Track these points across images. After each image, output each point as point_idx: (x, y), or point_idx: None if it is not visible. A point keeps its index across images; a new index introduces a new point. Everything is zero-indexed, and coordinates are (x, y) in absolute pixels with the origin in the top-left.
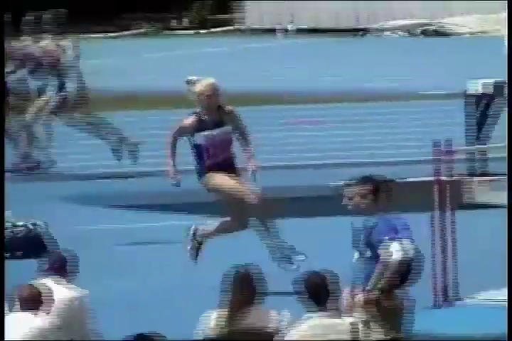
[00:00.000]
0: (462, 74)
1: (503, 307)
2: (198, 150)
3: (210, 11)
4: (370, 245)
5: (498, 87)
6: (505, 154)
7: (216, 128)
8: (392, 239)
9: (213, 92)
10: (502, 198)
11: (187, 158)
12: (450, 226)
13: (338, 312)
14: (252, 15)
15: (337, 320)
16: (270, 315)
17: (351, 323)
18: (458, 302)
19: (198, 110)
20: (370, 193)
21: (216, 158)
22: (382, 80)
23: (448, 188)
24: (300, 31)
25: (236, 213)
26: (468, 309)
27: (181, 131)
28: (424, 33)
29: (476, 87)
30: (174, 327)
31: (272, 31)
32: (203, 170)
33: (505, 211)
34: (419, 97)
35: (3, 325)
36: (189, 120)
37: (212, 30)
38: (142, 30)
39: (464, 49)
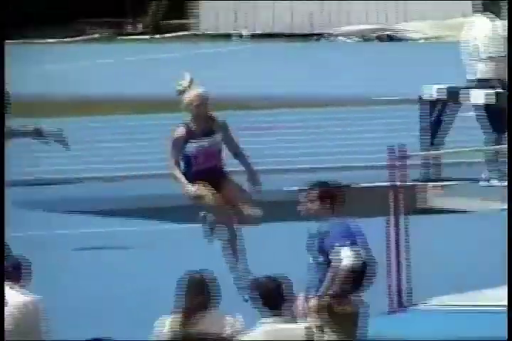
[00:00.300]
0: (417, 80)
1: (456, 312)
2: (187, 160)
3: (165, 16)
4: (323, 251)
5: (452, 92)
6: (506, 154)
7: (206, 138)
8: (342, 245)
9: (201, 102)
10: (456, 203)
11: (139, 164)
12: (404, 231)
13: (293, 318)
14: (208, 20)
15: (292, 325)
16: (224, 320)
17: (306, 328)
18: (412, 308)
19: (187, 120)
20: (324, 198)
21: (204, 167)
22: (336, 85)
23: (402, 193)
24: (255, 36)
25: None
26: (422, 314)
27: (176, 145)
28: (379, 38)
29: (431, 92)
30: (128, 332)
31: (227, 36)
32: (190, 180)
33: (473, 215)
34: (374, 103)
35: (3, 325)
36: (179, 131)
37: (168, 35)
38: (96, 36)
39: (418, 54)
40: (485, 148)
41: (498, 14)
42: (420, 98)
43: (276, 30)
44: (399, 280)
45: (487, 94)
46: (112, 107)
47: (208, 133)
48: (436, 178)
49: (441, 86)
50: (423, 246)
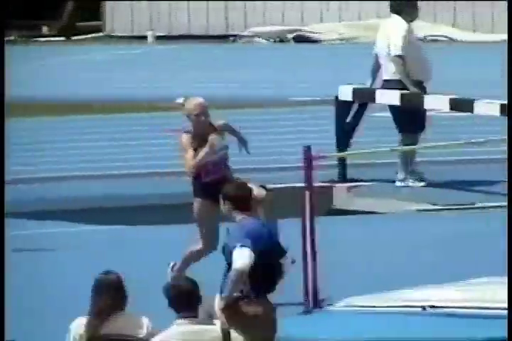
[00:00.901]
0: (333, 81)
1: (369, 313)
2: (194, 174)
3: (81, 18)
4: (228, 251)
5: (366, 92)
6: (506, 154)
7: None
8: (241, 246)
9: (201, 111)
10: (371, 204)
11: (74, 165)
12: (319, 231)
13: (208, 319)
14: (123, 21)
15: (207, 326)
16: (137, 321)
17: (222, 329)
18: (327, 308)
19: (190, 129)
20: (229, 199)
21: (211, 179)
22: (253, 87)
23: (317, 194)
24: (171, 38)
25: (209, 236)
26: (337, 314)
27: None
28: (295, 39)
29: (346, 93)
30: (46, 335)
31: (142, 38)
32: (198, 194)
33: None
34: (291, 104)
35: (3, 325)
36: (184, 137)
37: (83, 37)
38: (11, 38)
39: (334, 55)
40: (399, 148)
41: (412, 16)
42: (336, 99)
43: (192, 31)
44: (314, 280)
45: (397, 95)
46: (28, 109)
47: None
48: (351, 179)
49: (357, 86)
50: (339, 246)
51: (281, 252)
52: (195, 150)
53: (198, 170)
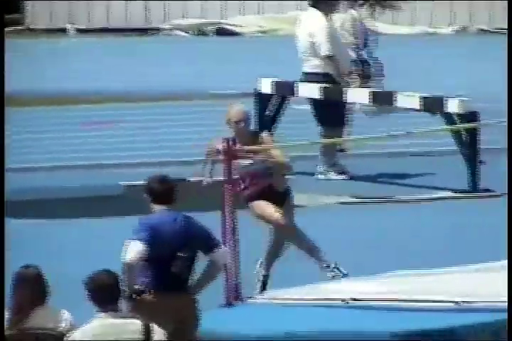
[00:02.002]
0: (253, 74)
1: (290, 306)
2: (242, 182)
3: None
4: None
5: (286, 86)
6: (506, 154)
7: (249, 157)
8: (134, 239)
9: (240, 118)
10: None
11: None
12: (237, 225)
13: (128, 312)
14: (44, 14)
15: (127, 320)
16: (58, 315)
17: (142, 322)
18: (248, 301)
19: (231, 136)
20: (157, 191)
21: (257, 189)
22: (172, 80)
23: (237, 187)
24: (91, 31)
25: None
26: (259, 307)
27: (210, 154)
28: (216, 31)
29: (267, 86)
30: None
31: (62, 31)
32: (244, 199)
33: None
34: (210, 97)
35: (3, 325)
36: (219, 145)
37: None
38: None
39: (255, 48)
40: (319, 141)
41: (331, 10)
42: (255, 92)
43: (112, 24)
44: (236, 273)
45: (318, 88)
46: None
47: (252, 151)
48: None
49: (276, 79)
50: (256, 239)
51: (204, 245)
52: (235, 158)
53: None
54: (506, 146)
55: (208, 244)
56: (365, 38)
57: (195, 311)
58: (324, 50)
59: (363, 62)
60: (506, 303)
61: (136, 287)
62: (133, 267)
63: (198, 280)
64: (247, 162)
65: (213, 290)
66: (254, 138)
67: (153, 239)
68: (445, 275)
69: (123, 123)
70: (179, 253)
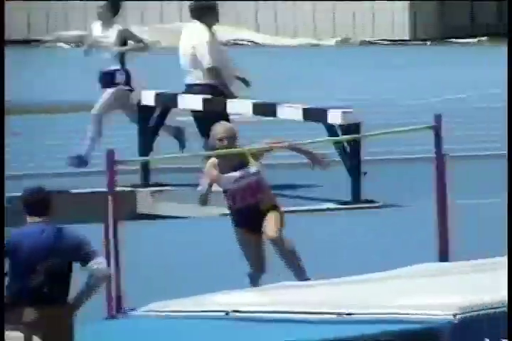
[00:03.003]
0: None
1: (173, 318)
2: (225, 195)
3: None
4: None
5: (168, 97)
6: (506, 153)
7: (237, 170)
8: None
9: (224, 136)
10: (175, 208)
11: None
12: (122, 237)
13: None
14: None
15: (11, 333)
16: None
17: (24, 336)
18: (131, 313)
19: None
20: (28, 202)
21: (243, 205)
22: (55, 91)
23: (121, 199)
24: None
25: (255, 262)
26: (140, 320)
27: (208, 174)
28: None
29: (149, 97)
30: None
31: None
32: (235, 222)
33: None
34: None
35: (3, 325)
36: (210, 162)
37: None
38: None
39: (137, 59)
40: (201, 153)
41: (213, 21)
42: (139, 103)
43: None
44: (117, 285)
45: (200, 100)
46: None
47: (240, 164)
48: (154, 183)
49: (159, 91)
50: (143, 251)
51: (79, 257)
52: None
53: (227, 197)
54: (506, 146)
55: (82, 255)
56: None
57: (67, 325)
58: (207, 62)
59: None
60: (396, 315)
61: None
62: None
63: (77, 294)
64: (236, 174)
65: (96, 302)
66: (239, 155)
67: (14, 252)
68: (330, 286)
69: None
70: (43, 266)
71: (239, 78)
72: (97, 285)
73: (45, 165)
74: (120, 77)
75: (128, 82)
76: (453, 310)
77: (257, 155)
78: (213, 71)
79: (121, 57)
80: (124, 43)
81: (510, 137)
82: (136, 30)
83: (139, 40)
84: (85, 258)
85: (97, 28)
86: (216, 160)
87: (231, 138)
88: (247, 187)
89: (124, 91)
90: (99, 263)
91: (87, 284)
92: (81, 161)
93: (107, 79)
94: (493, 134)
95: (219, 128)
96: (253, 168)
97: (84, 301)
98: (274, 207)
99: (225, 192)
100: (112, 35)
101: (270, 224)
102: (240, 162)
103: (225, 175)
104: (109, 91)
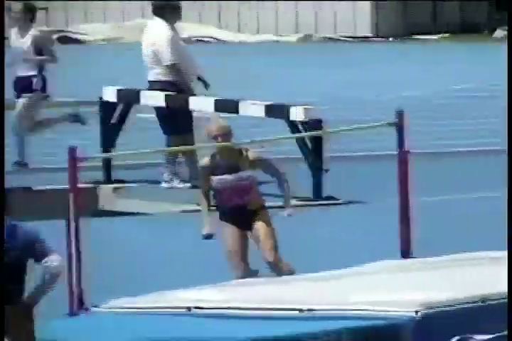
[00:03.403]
0: (96, 81)
1: (135, 314)
2: (215, 194)
3: None
4: None
5: (131, 93)
6: (506, 152)
7: (231, 173)
8: None
9: (220, 133)
10: (135, 205)
11: None
12: (84, 233)
13: None
14: None
15: None
16: None
17: None
18: (92, 309)
19: (214, 152)
20: None
21: (230, 204)
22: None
23: (82, 195)
24: None
25: (238, 262)
26: (101, 316)
27: (202, 175)
28: (60, 39)
29: (111, 94)
30: None
31: None
32: (221, 217)
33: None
34: (56, 104)
35: (3, 325)
36: (204, 161)
37: None
38: None
39: (99, 55)
40: (163, 149)
41: (175, 18)
42: (100, 99)
43: None
44: (79, 281)
45: (162, 97)
46: None
47: (234, 168)
48: (116, 180)
49: (121, 88)
50: (103, 247)
51: (33, 254)
52: (216, 174)
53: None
54: (506, 145)
55: (37, 252)
56: None
57: (26, 322)
58: (166, 59)
59: None
60: (358, 311)
61: None
62: None
63: (31, 291)
64: (229, 178)
65: (58, 299)
66: (235, 152)
67: None
68: (291, 282)
69: None
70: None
71: (200, 79)
72: (50, 282)
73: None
74: (37, 84)
75: (44, 88)
76: (415, 306)
77: (256, 162)
78: (172, 68)
79: (40, 63)
80: (40, 49)
81: (510, 133)
82: (97, 27)
83: (49, 51)
84: (39, 255)
85: (14, 34)
86: (209, 161)
87: (226, 136)
88: (237, 189)
89: (40, 97)
90: (52, 260)
91: (40, 281)
92: (21, 164)
93: (23, 85)
94: (455, 129)
95: (214, 126)
96: (246, 173)
97: (39, 299)
98: (262, 208)
99: (214, 189)
100: (27, 41)
101: (267, 247)
102: (234, 164)
103: (218, 177)
104: (24, 99)
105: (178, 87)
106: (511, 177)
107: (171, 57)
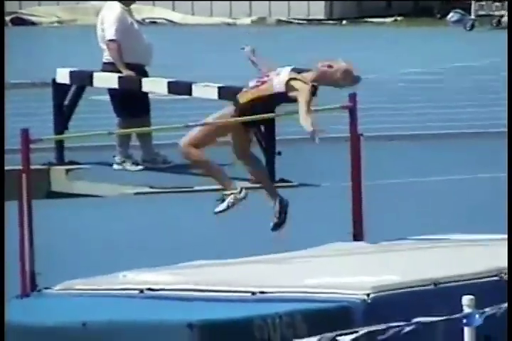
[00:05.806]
0: (48, 63)
1: (87, 296)
2: None
3: None
4: None
5: (83, 75)
6: (506, 152)
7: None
8: None
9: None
10: (89, 187)
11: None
12: (36, 215)
13: None
14: None
15: None
16: None
17: None
18: (44, 291)
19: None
20: None
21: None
22: None
23: (34, 177)
24: None
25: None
26: (54, 297)
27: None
28: (13, 21)
29: (64, 75)
30: None
31: None
32: None
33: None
34: (11, 86)
35: (3, 325)
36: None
37: None
38: None
39: (52, 38)
40: (116, 131)
41: (130, 1)
42: (53, 81)
43: None
44: (31, 263)
45: (116, 78)
46: None
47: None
48: (68, 162)
49: (74, 69)
50: (58, 229)
51: None
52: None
53: None
54: (506, 142)
55: None
56: None
57: None
58: (108, 34)
59: None
60: (309, 294)
61: None
62: None
63: None
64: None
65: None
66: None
67: None
68: (244, 265)
69: None
70: None
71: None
72: None
73: None
74: None
75: None
76: (366, 289)
77: None
78: (111, 44)
79: None
80: None
81: (510, 132)
82: (50, 9)
83: None
84: None
85: None
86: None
87: None
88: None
89: None
90: None
91: None
92: None
93: None
94: (403, 114)
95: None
96: None
97: None
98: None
99: None
100: None
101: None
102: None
103: None
104: None
105: (131, 68)
106: (511, 167)
107: (113, 34)
